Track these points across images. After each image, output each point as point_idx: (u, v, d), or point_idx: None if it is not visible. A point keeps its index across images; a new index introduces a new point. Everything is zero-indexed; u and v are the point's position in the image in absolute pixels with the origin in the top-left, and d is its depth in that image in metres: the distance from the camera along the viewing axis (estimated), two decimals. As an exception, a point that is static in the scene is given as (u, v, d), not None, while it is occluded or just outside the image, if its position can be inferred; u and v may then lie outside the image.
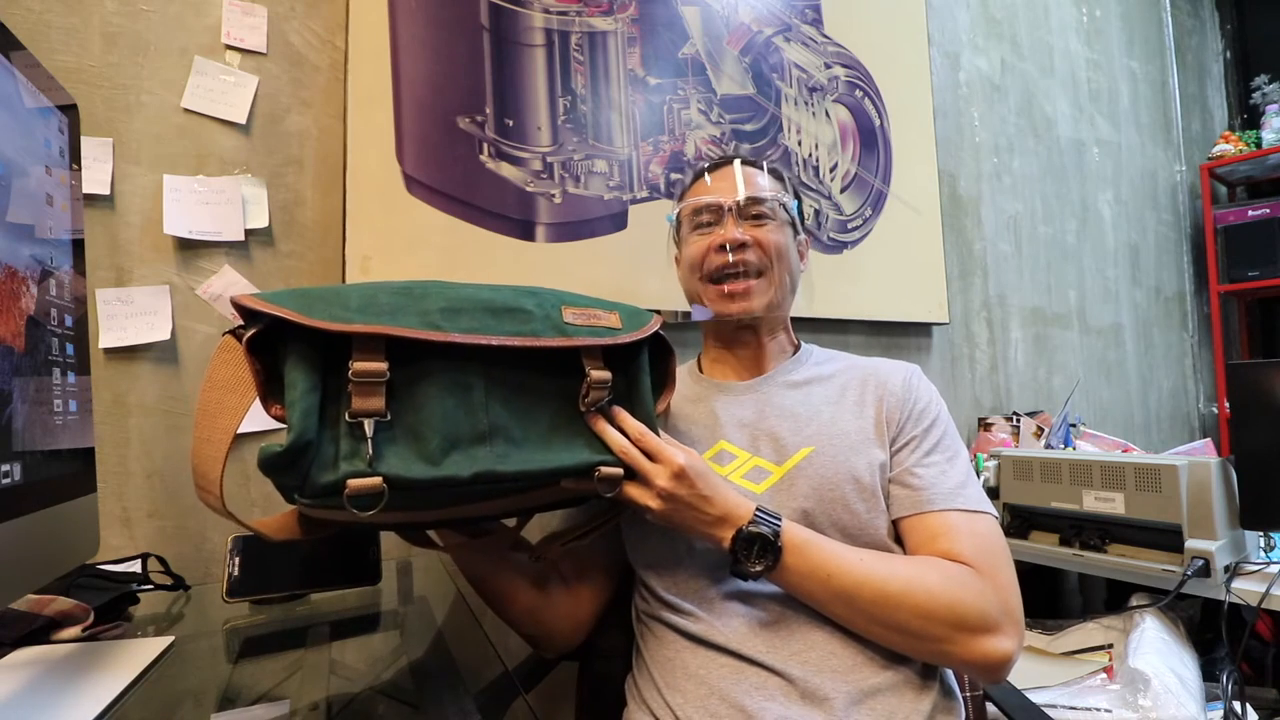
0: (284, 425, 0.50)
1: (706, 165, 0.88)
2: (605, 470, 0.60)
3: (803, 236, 0.87)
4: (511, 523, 0.73)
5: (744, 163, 0.85)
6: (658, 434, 0.63)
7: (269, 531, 0.57)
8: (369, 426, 0.51)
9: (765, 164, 0.86)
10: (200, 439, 0.51)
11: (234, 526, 0.54)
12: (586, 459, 0.60)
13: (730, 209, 0.79)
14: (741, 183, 0.81)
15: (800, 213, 0.87)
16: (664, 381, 0.70)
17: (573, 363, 0.61)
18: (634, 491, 0.62)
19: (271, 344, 0.51)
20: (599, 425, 0.61)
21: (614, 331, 0.63)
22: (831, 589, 0.63)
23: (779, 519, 0.64)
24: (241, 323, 0.52)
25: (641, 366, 0.66)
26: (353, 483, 0.49)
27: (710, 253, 0.79)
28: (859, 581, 0.63)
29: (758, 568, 0.63)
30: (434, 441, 0.53)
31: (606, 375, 0.61)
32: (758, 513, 0.64)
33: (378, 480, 0.50)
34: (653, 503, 0.62)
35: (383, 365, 0.52)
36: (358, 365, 0.51)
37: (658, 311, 0.71)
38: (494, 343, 0.56)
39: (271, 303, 0.50)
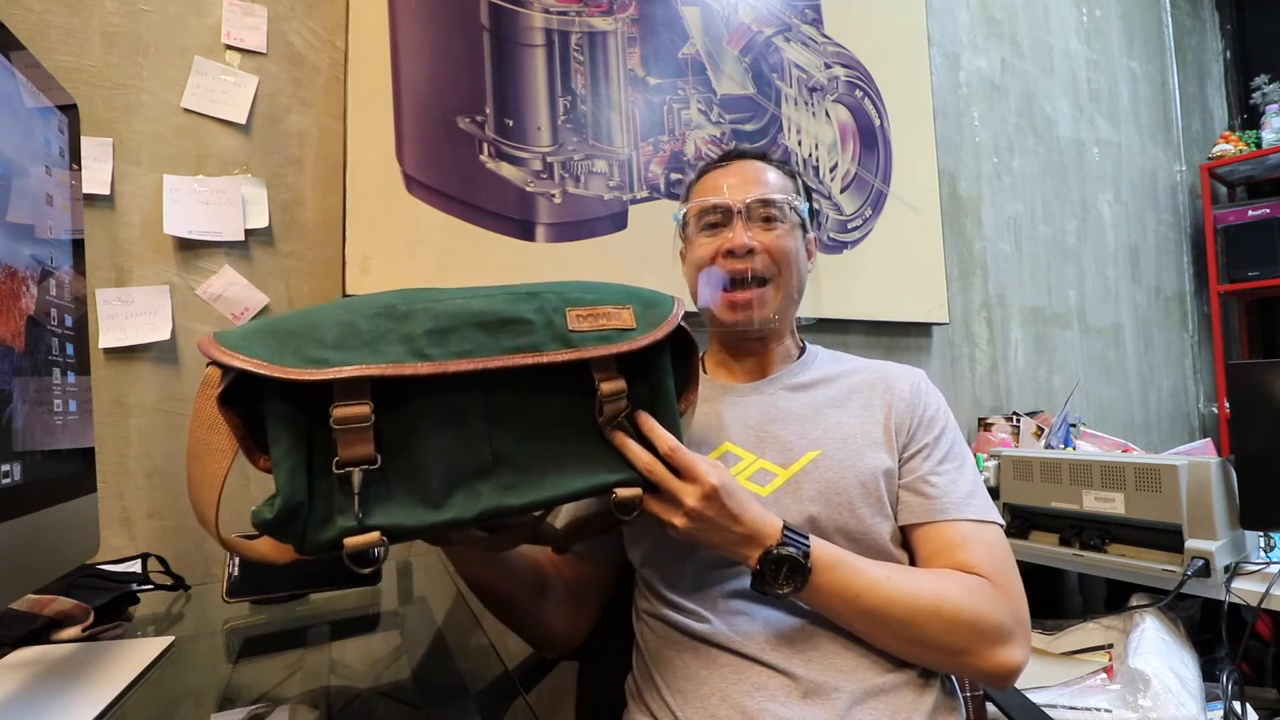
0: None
1: (716, 159, 0.85)
2: (622, 494, 0.56)
3: (811, 234, 0.85)
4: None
5: (754, 158, 0.83)
6: (681, 439, 0.60)
7: (275, 556, 0.54)
8: (357, 478, 0.47)
9: (776, 159, 0.84)
10: (193, 480, 0.47)
11: (235, 525, 0.54)
12: (602, 480, 0.56)
13: (740, 211, 0.77)
14: (752, 182, 0.79)
15: (811, 211, 0.84)
16: (687, 380, 0.65)
17: (583, 375, 0.56)
18: (658, 508, 0.59)
19: (249, 390, 0.47)
20: (620, 441, 0.57)
21: (627, 334, 0.57)
22: (858, 607, 0.62)
23: (807, 538, 0.62)
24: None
25: (663, 369, 0.60)
26: (350, 541, 0.46)
27: (718, 257, 0.77)
28: (887, 599, 0.62)
29: (785, 589, 0.61)
30: (433, 482, 0.49)
31: (619, 386, 0.56)
32: (786, 532, 0.61)
33: (375, 535, 0.47)
34: (678, 521, 0.58)
35: (365, 409, 0.47)
36: (339, 412, 0.47)
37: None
38: (491, 366, 0.51)
39: (238, 350, 0.46)
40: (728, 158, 0.84)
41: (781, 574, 0.60)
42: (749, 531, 0.60)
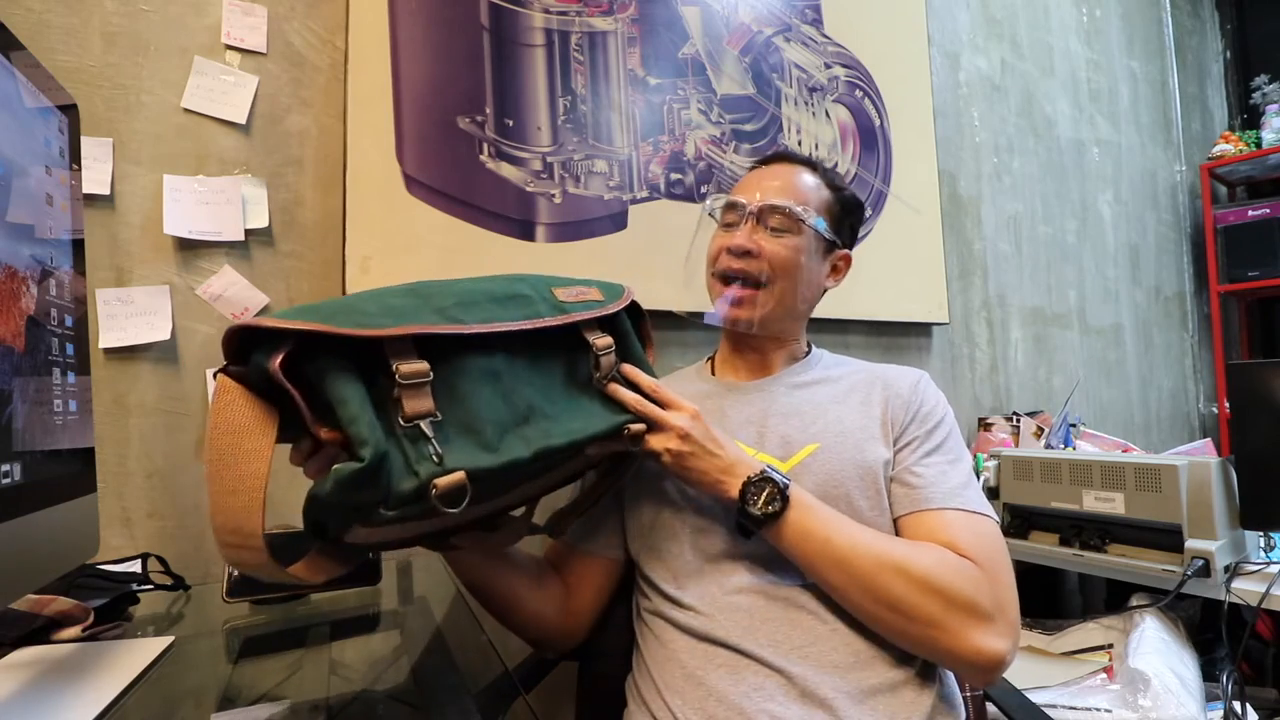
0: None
1: (766, 156, 0.89)
2: (634, 428, 0.65)
3: (841, 251, 0.86)
4: (519, 512, 0.72)
5: (796, 161, 0.85)
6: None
7: (307, 577, 0.53)
8: (427, 427, 0.51)
9: (822, 167, 0.85)
10: (222, 490, 0.44)
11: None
12: (614, 420, 0.64)
13: (751, 212, 0.79)
14: (779, 189, 0.80)
15: (852, 227, 0.86)
16: (644, 340, 0.76)
17: (573, 337, 0.66)
18: (652, 439, 0.66)
19: (296, 366, 0.48)
20: (614, 390, 0.66)
21: (601, 303, 0.68)
22: (829, 553, 0.64)
23: (787, 477, 0.67)
24: (226, 363, 0.48)
25: (628, 330, 0.71)
26: (440, 481, 0.49)
27: (722, 253, 0.81)
28: (855, 547, 0.64)
29: (769, 509, 0.64)
30: (488, 431, 0.54)
31: (608, 342, 0.66)
32: (767, 467, 0.67)
33: (460, 475, 0.50)
34: (672, 444, 0.65)
35: (425, 365, 0.52)
36: (404, 368, 0.51)
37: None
38: (513, 329, 0.59)
39: (290, 320, 0.47)
40: (774, 158, 0.86)
41: (763, 497, 0.64)
42: (732, 459, 0.67)
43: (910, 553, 0.64)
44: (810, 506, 0.66)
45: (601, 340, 0.66)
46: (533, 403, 0.59)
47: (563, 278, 0.70)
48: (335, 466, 0.46)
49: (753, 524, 0.66)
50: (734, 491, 0.65)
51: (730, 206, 0.82)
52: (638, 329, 0.74)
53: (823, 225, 0.81)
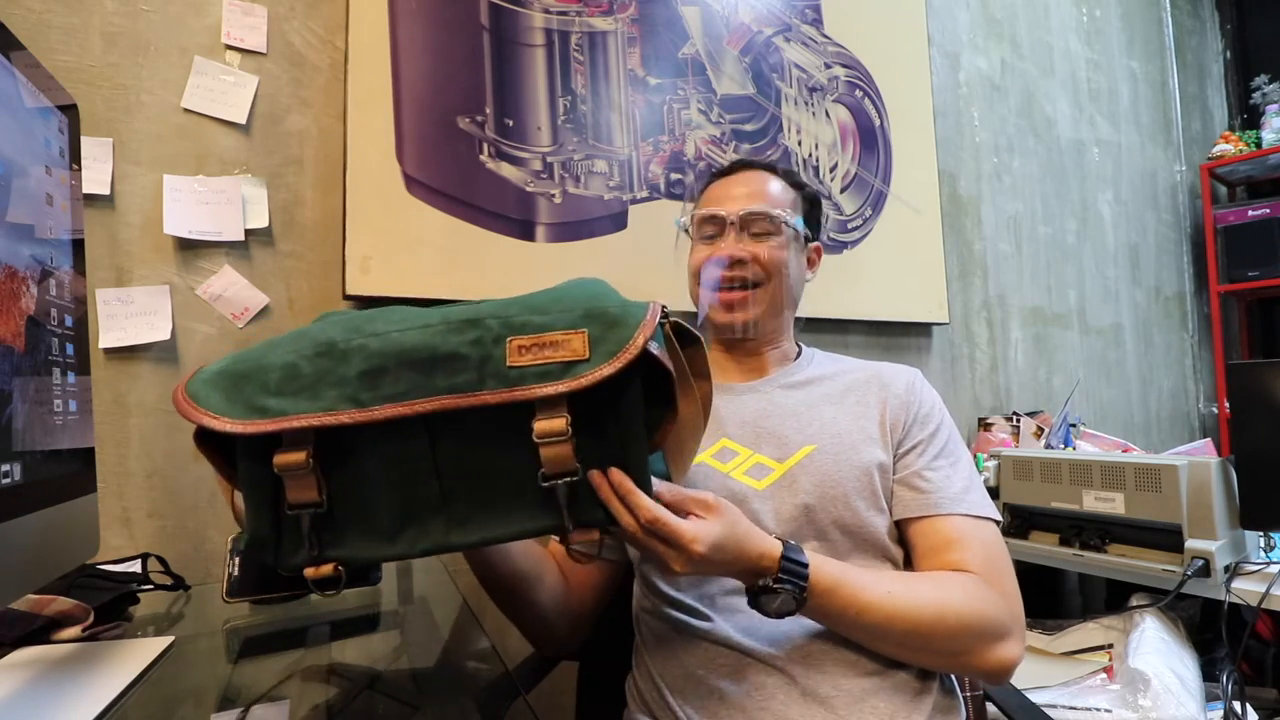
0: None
1: (724, 167, 0.89)
2: (580, 538, 0.53)
3: (814, 244, 0.87)
4: None
5: (756, 168, 0.85)
6: (650, 491, 0.53)
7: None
8: (305, 522, 0.50)
9: (780, 169, 0.86)
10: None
11: (234, 526, 0.55)
12: (558, 522, 0.52)
13: (733, 223, 0.80)
14: (751, 195, 0.81)
15: (817, 220, 0.87)
16: (696, 374, 0.58)
17: (531, 411, 0.50)
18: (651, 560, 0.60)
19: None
20: (606, 496, 0.51)
21: (572, 369, 0.49)
22: (861, 624, 0.62)
23: (806, 565, 0.59)
24: None
25: (627, 405, 0.51)
26: (309, 571, 0.50)
27: (709, 264, 0.81)
28: (890, 617, 0.62)
29: (782, 612, 0.59)
30: (384, 519, 0.51)
31: (558, 425, 0.48)
32: (784, 560, 0.59)
33: (329, 568, 0.50)
34: (668, 574, 0.66)
35: (301, 456, 0.48)
36: (278, 459, 0.48)
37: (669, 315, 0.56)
38: (419, 411, 0.48)
39: (198, 400, 0.48)
40: (734, 168, 0.87)
41: (777, 603, 0.59)
42: (747, 566, 0.58)
43: (939, 600, 0.63)
44: (833, 589, 0.60)
45: (548, 423, 0.48)
46: (454, 489, 0.51)
47: (549, 307, 0.52)
48: (234, 536, 0.51)
49: (766, 616, 0.60)
50: (747, 583, 0.60)
51: (709, 219, 0.82)
52: (691, 365, 0.56)
53: (800, 223, 0.83)
